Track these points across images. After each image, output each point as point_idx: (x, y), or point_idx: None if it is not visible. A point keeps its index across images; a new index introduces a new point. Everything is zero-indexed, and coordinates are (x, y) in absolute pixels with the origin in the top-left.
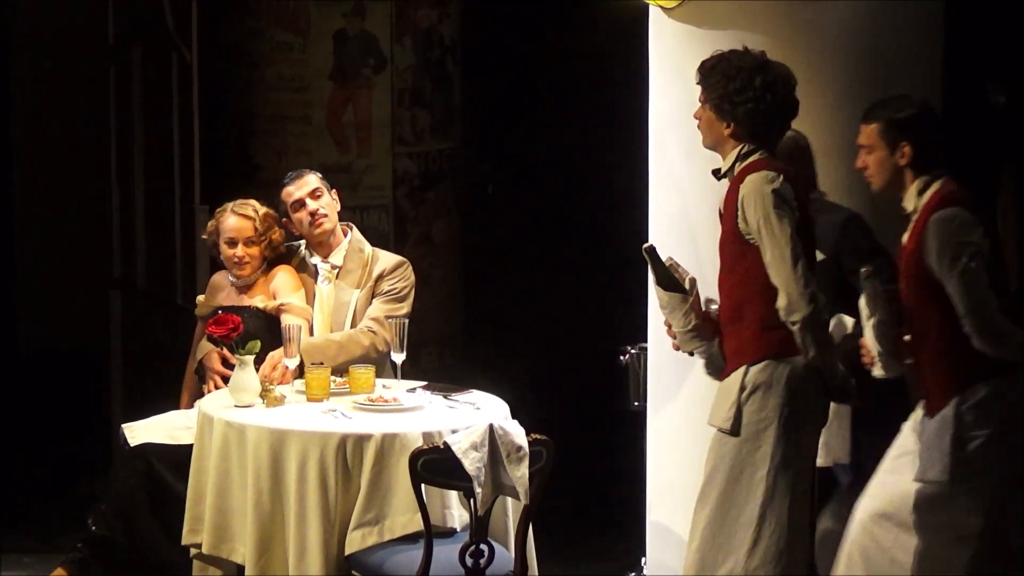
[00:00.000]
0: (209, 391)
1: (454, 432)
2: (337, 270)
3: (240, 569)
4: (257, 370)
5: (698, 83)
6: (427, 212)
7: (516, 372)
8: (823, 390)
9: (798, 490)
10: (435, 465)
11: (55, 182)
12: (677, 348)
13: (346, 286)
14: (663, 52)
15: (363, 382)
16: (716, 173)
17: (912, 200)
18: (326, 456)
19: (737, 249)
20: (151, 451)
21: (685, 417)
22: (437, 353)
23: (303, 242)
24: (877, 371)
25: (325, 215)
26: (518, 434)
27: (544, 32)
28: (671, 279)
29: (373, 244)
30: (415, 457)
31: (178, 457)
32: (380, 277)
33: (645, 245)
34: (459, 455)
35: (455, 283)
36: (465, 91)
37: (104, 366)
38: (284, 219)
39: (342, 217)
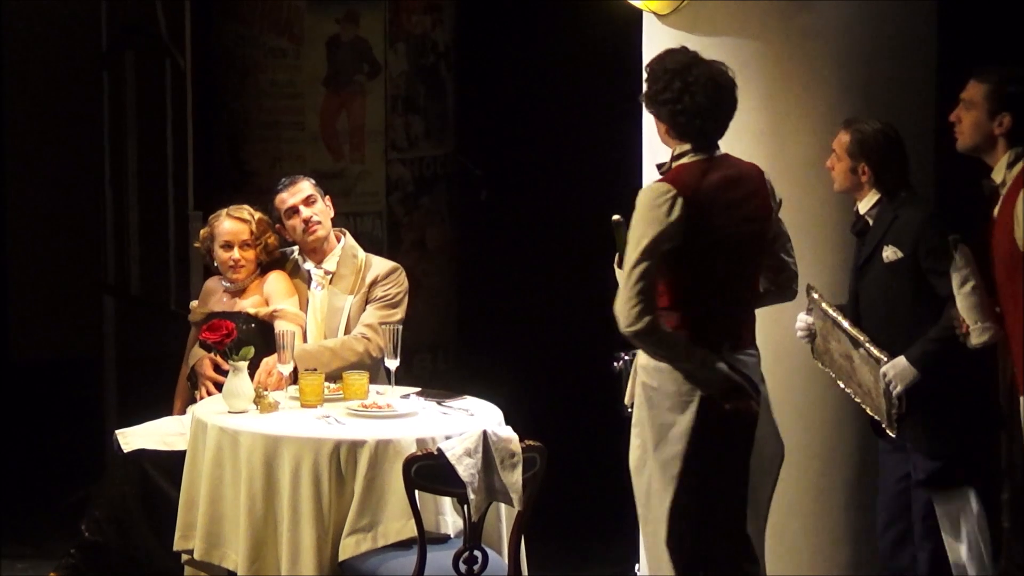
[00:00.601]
0: (202, 397)
1: (448, 438)
2: (330, 276)
3: (232, 575)
4: (251, 376)
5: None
6: (421, 218)
7: (510, 378)
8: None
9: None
10: (429, 471)
11: (47, 188)
12: None
13: (339, 292)
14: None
15: (357, 388)
16: (659, 168)
17: (1001, 172)
18: (320, 462)
19: None
20: (144, 457)
21: None
22: (431, 359)
23: (296, 248)
24: (974, 339)
25: (319, 222)
26: (512, 440)
27: (537, 38)
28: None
29: (367, 250)
30: (409, 463)
31: (171, 463)
32: (374, 283)
33: (614, 216)
34: (453, 461)
35: (449, 289)
36: (459, 97)
37: (97, 372)
38: (277, 225)
39: (335, 223)
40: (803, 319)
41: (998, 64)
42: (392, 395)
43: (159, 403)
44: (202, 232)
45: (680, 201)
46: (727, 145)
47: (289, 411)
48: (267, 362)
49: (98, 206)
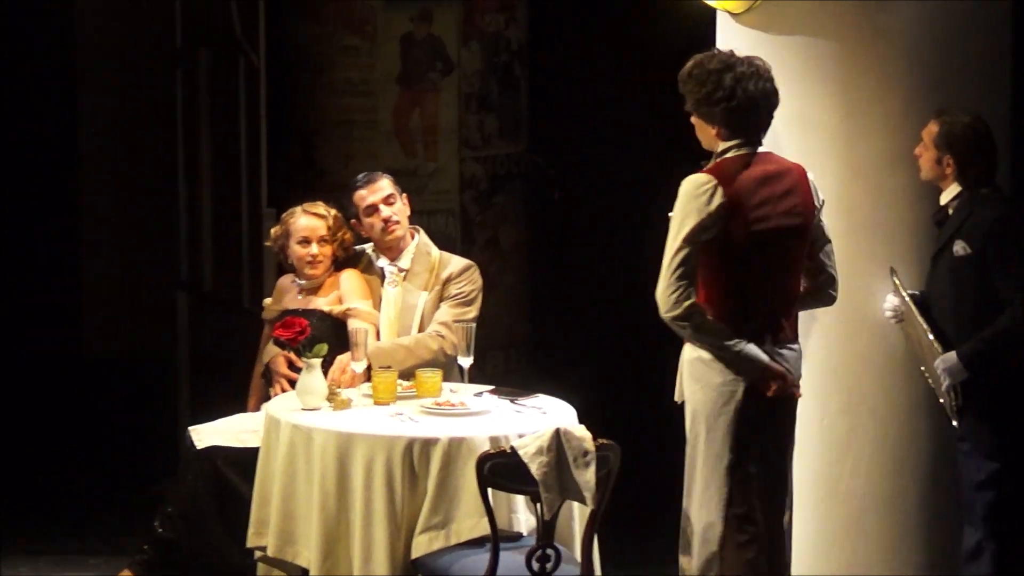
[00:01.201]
0: (276, 394)
1: (521, 436)
2: (404, 273)
3: (304, 572)
4: (324, 373)
5: (681, 92)
6: (494, 216)
7: (583, 376)
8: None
9: (706, 473)
10: (502, 469)
11: (122, 185)
12: None
13: (413, 289)
14: None
15: (430, 386)
16: (702, 165)
17: None
18: (393, 460)
19: None
20: (218, 454)
21: None
22: (504, 357)
23: (369, 245)
24: None
25: (397, 222)
26: (585, 438)
27: (611, 37)
28: None
29: (440, 248)
30: (482, 461)
31: (244, 460)
32: (448, 281)
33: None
34: (526, 459)
35: (522, 287)
36: (532, 95)
37: (171, 369)
38: (353, 221)
39: (410, 221)
40: (891, 300)
41: None
42: (465, 393)
43: (232, 400)
44: (273, 231)
45: (720, 191)
46: (800, 142)
47: (362, 408)
48: (341, 359)
49: (172, 204)
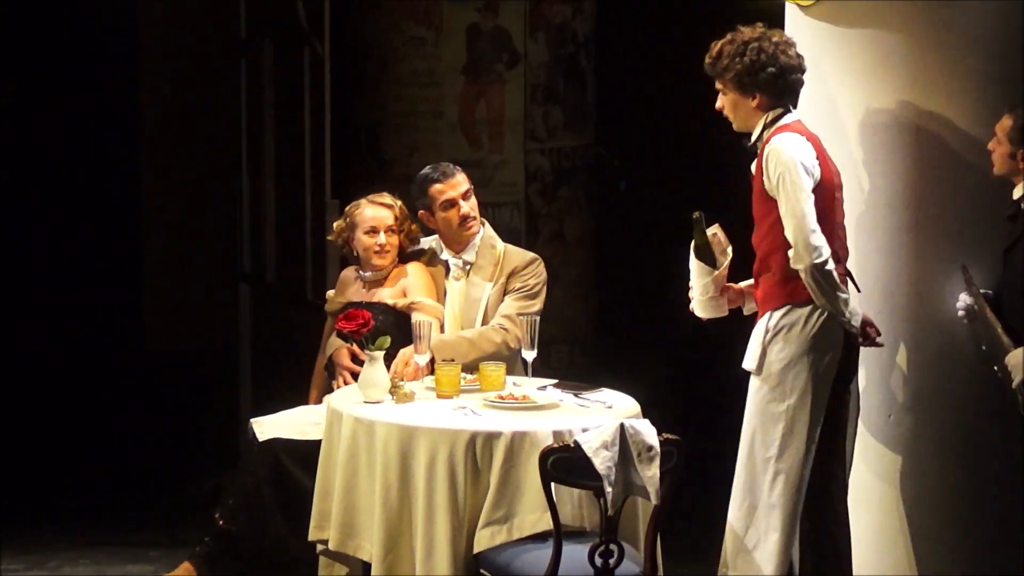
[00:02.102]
0: (338, 387)
1: (585, 431)
2: (469, 266)
3: (366, 566)
4: (387, 366)
5: (712, 75)
6: (559, 209)
7: (647, 370)
8: (846, 339)
9: (813, 433)
10: (565, 464)
11: (185, 176)
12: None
13: (478, 282)
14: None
15: (494, 379)
16: (748, 144)
17: None
18: (455, 453)
19: (763, 206)
20: (279, 446)
21: None
22: (568, 351)
23: (433, 238)
24: None
25: (475, 218)
26: (649, 433)
27: (678, 29)
28: (706, 250)
29: (504, 241)
30: (545, 455)
31: (306, 452)
32: (512, 274)
33: (695, 213)
34: (589, 454)
35: (587, 281)
36: (598, 87)
37: (233, 361)
38: (421, 213)
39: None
40: (964, 299)
41: None
42: (529, 387)
43: (294, 393)
44: (336, 225)
45: (810, 144)
46: (868, 137)
47: (425, 402)
48: (404, 352)
49: (235, 195)
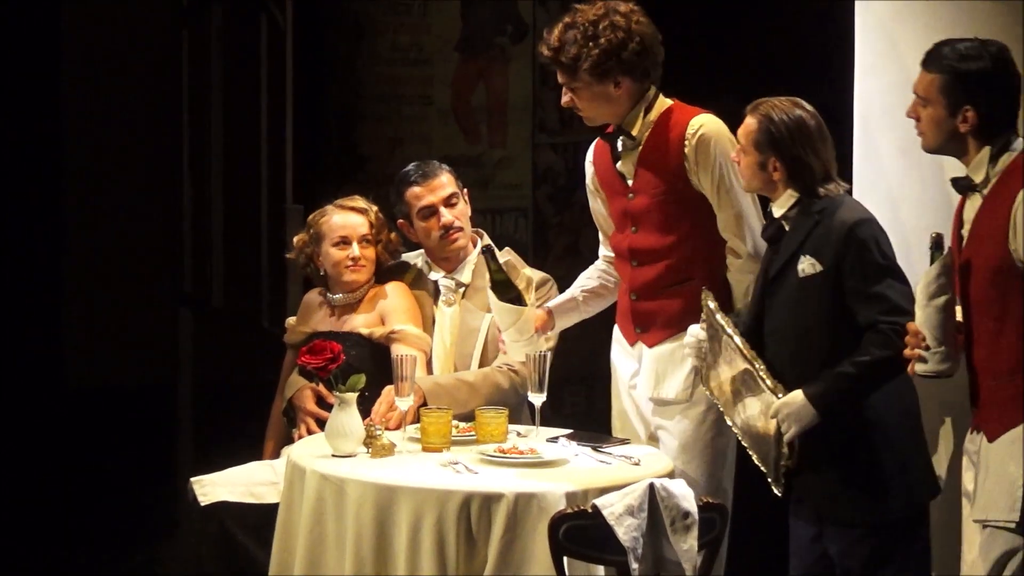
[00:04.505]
0: (300, 437)
1: (605, 493)
2: (463, 289)
3: None
4: (361, 412)
5: (557, 68)
6: (574, 217)
7: None
8: None
9: None
10: (581, 533)
11: (113, 176)
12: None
13: (475, 309)
14: (871, 24)
15: (493, 429)
16: (622, 140)
17: (983, 169)
18: (445, 519)
19: (677, 206)
20: (226, 511)
21: None
22: (585, 393)
23: (419, 253)
24: (930, 366)
25: (460, 229)
26: (685, 496)
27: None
28: (507, 286)
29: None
30: (557, 523)
31: (260, 519)
32: None
33: (483, 244)
34: (611, 521)
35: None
36: None
37: (170, 404)
38: (400, 222)
39: (471, 222)
40: (694, 333)
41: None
42: (536, 438)
43: (245, 444)
44: (297, 239)
45: None
46: None
47: (408, 456)
48: (387, 392)
49: (174, 200)
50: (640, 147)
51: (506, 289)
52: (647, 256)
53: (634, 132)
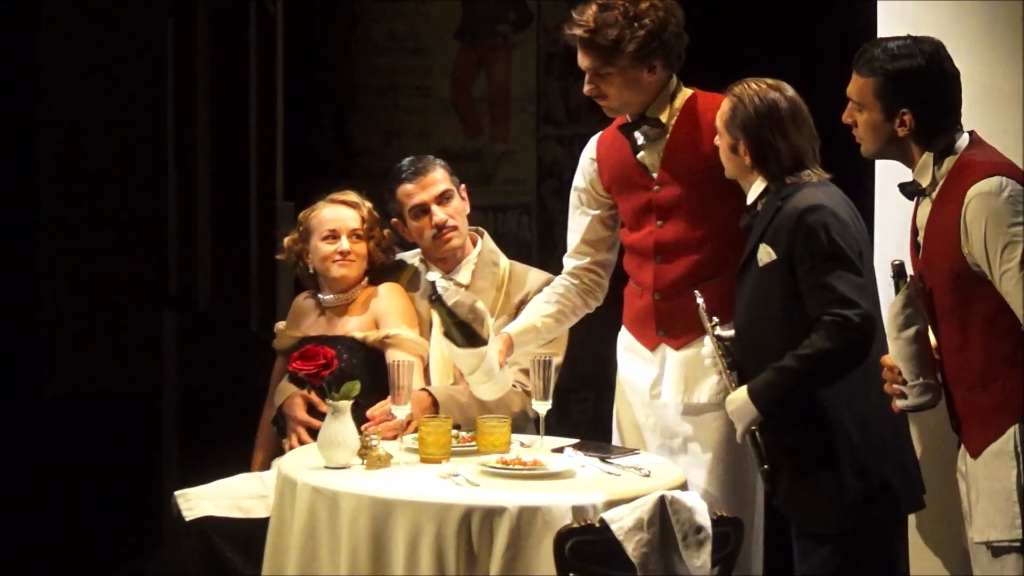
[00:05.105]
0: (291, 447)
1: (614, 506)
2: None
3: None
4: (356, 420)
5: (593, 53)
6: None
7: None
8: None
9: None
10: (589, 549)
11: (94, 172)
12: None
13: None
14: (893, 20)
15: (495, 438)
16: (645, 128)
17: (928, 172)
18: (445, 534)
19: (716, 190)
20: (213, 526)
21: None
22: (594, 400)
23: (415, 252)
24: (910, 401)
25: (455, 228)
26: (698, 509)
27: None
28: (462, 328)
29: (511, 256)
30: (562, 538)
31: (248, 534)
32: (523, 302)
33: (431, 293)
34: (620, 536)
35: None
36: None
37: (155, 411)
38: (394, 220)
39: (471, 220)
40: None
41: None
42: (541, 448)
43: (232, 455)
44: (287, 240)
45: None
46: (976, 115)
47: (405, 467)
48: (382, 405)
49: (159, 198)
50: (668, 135)
51: (461, 333)
52: (675, 250)
53: (663, 119)
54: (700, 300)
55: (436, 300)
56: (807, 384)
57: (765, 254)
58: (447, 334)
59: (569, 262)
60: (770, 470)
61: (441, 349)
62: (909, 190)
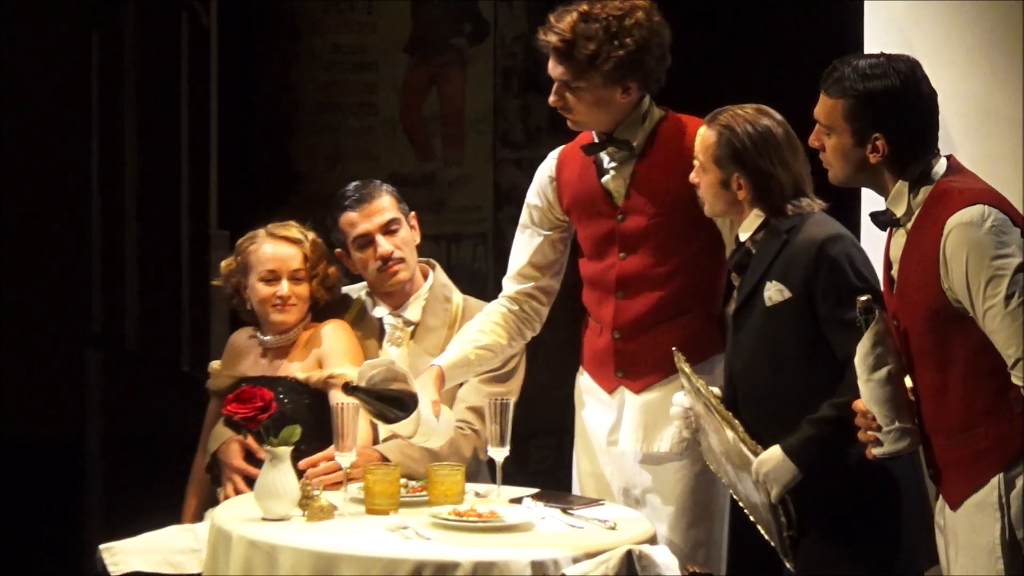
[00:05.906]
0: (226, 497)
1: (577, 561)
2: (412, 328)
3: None
4: (296, 469)
5: (566, 66)
6: None
7: None
8: None
9: None
10: None
11: (11, 197)
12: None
13: (425, 352)
14: (881, 26)
15: (447, 488)
16: (613, 151)
17: (903, 201)
18: None
19: (681, 223)
20: None
21: None
22: (555, 446)
23: (361, 286)
24: (886, 447)
25: (402, 260)
26: (667, 564)
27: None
28: (392, 404)
29: (465, 291)
30: None
31: None
32: None
33: (343, 388)
34: None
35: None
36: None
37: (77, 456)
38: (338, 251)
39: (421, 251)
40: (680, 401)
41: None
42: (498, 498)
43: (161, 504)
44: (224, 265)
45: None
46: (972, 131)
47: (350, 519)
48: (325, 453)
49: (82, 223)
50: (637, 160)
51: (391, 408)
52: (638, 285)
53: (635, 143)
54: (686, 366)
55: (353, 391)
56: (850, 435)
57: (776, 292)
58: (378, 416)
59: (510, 285)
60: (795, 536)
61: None
62: (882, 220)
